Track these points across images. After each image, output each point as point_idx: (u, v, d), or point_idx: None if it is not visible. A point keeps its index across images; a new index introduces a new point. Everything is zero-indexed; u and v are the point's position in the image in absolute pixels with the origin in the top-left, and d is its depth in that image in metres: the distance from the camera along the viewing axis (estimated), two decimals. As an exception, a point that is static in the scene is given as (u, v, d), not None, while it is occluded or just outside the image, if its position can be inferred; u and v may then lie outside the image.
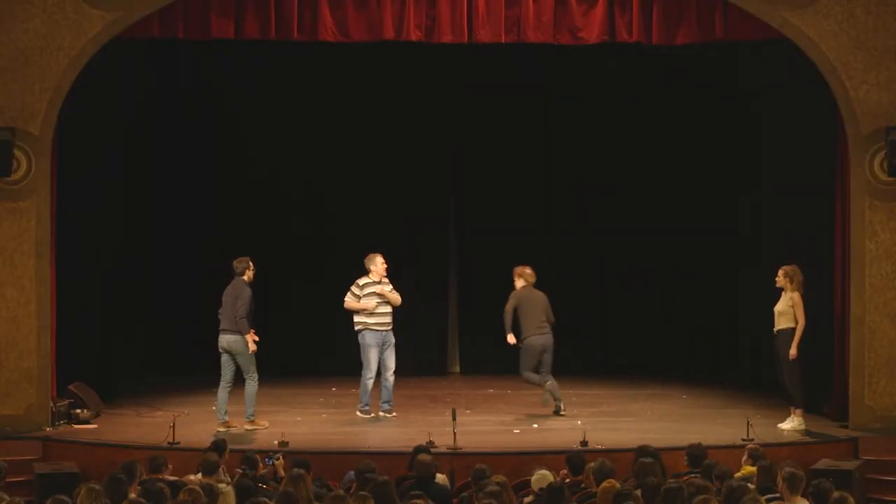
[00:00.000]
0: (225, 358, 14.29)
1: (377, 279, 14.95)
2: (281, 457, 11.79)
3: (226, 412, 14.24)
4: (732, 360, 17.48)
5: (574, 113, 17.75)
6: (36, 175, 14.17)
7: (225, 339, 14.22)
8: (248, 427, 14.15)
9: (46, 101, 14.15)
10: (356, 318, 14.97)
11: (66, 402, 14.54)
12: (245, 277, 14.32)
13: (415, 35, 14.51)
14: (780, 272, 14.22)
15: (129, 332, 17.13)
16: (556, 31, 14.52)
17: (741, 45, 15.57)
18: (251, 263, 14.39)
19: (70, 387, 14.76)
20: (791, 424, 14.17)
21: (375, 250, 15.12)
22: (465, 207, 18.21)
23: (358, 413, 14.99)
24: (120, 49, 14.76)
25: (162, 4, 14.25)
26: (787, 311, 14.15)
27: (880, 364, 14.25)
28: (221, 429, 14.04)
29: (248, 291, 14.20)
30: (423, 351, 17.98)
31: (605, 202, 18.00)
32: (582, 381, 17.19)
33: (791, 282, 14.16)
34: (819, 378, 15.01)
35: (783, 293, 14.21)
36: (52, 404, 14.27)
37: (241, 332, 14.09)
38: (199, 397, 16.25)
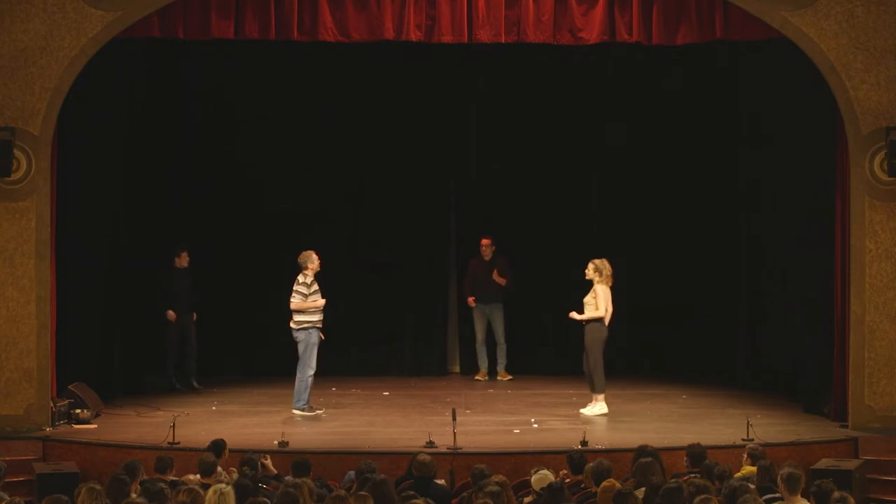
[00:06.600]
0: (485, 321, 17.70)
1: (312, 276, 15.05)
2: (268, 457, 11.95)
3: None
4: (732, 360, 17.46)
5: (574, 114, 17.73)
6: (36, 175, 14.16)
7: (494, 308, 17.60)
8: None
9: (46, 101, 14.14)
10: (300, 318, 15.01)
11: (66, 402, 14.53)
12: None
13: (415, 35, 14.50)
14: (590, 265, 14.94)
15: (129, 332, 17.11)
16: (556, 31, 14.52)
17: (741, 44, 15.57)
18: None
19: (70, 387, 14.75)
20: (592, 410, 14.89)
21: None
22: (466, 207, 18.18)
23: (296, 412, 15.01)
24: (120, 49, 14.76)
25: (162, 4, 14.24)
26: (591, 301, 14.86)
27: (880, 364, 14.24)
28: (479, 378, 17.59)
29: None
30: (423, 351, 17.99)
31: (604, 202, 18.00)
32: (583, 380, 17.17)
33: (600, 275, 14.87)
34: (819, 378, 15.01)
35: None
36: (52, 404, 14.26)
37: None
38: (199, 397, 16.26)
